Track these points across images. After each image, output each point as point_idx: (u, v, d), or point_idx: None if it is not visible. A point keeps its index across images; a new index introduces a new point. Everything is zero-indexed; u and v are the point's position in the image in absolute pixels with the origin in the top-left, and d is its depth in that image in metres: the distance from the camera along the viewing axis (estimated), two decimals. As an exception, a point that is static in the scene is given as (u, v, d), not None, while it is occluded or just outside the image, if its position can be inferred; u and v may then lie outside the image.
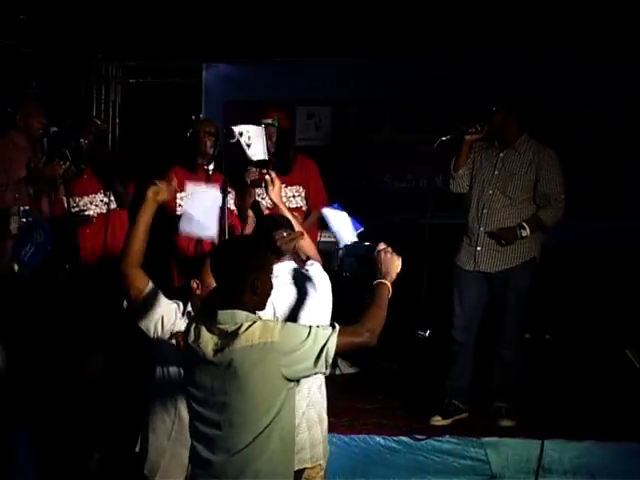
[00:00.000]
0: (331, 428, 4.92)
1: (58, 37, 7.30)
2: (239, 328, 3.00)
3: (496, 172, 5.20)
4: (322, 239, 5.90)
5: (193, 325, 3.12)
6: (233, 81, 7.79)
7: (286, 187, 5.66)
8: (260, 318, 3.07)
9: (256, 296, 3.07)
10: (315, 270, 3.85)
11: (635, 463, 4.72)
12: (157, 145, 7.04)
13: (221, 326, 3.03)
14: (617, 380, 5.81)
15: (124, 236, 5.71)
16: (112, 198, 5.82)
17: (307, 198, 5.80)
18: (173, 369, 3.77)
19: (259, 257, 3.13)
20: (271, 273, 3.15)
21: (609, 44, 6.79)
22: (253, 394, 2.98)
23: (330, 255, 7.23)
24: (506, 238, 5.10)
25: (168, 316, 3.70)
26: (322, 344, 2.98)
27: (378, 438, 4.88)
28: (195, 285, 3.81)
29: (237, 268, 3.05)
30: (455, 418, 5.13)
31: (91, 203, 5.84)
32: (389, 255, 3.24)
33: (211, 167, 5.71)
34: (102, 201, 5.84)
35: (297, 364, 2.99)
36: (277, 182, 4.10)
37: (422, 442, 4.84)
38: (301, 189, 5.73)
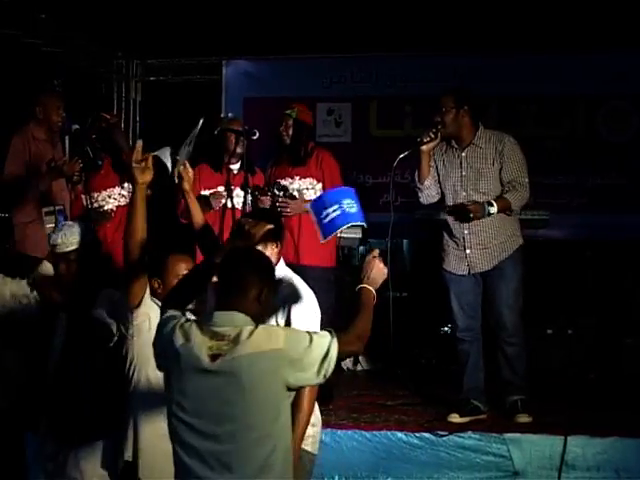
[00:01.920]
0: (353, 424, 4.97)
1: (79, 36, 7.34)
2: (240, 333, 2.81)
3: (463, 172, 5.14)
4: (343, 235, 5.89)
5: (177, 325, 2.90)
6: (253, 78, 7.80)
7: (300, 179, 5.68)
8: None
9: (260, 306, 2.92)
10: (297, 280, 3.68)
11: (660, 459, 4.68)
12: (178, 142, 7.04)
13: (217, 329, 2.84)
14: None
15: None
16: (131, 190, 5.83)
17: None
18: (153, 371, 3.63)
19: (272, 269, 3.05)
20: (275, 292, 3.04)
21: (630, 36, 6.73)
22: (260, 405, 2.79)
23: (351, 250, 7.26)
24: (474, 212, 4.97)
25: (155, 314, 3.61)
26: (324, 352, 2.84)
27: (400, 434, 4.87)
28: (156, 285, 3.80)
29: (250, 272, 2.92)
30: (473, 418, 5.09)
31: (109, 197, 5.85)
32: (381, 264, 3.11)
33: (237, 167, 5.73)
34: (120, 194, 5.86)
35: (301, 372, 2.83)
36: (190, 171, 3.97)
37: (444, 438, 4.82)
38: (315, 182, 5.71)
